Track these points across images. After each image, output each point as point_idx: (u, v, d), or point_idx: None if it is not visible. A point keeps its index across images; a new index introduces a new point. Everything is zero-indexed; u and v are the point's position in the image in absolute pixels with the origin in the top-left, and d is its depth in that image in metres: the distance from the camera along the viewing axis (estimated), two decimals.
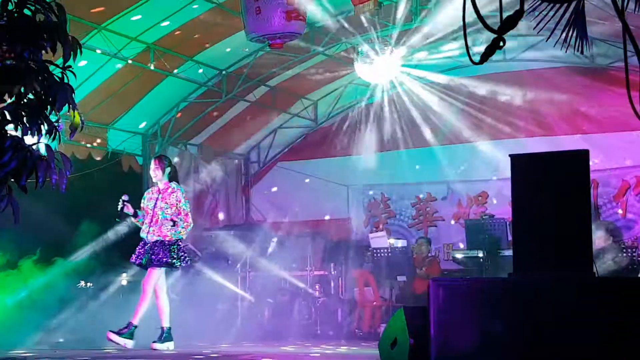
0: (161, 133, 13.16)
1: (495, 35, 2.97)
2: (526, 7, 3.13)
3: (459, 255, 11.59)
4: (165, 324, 8.19)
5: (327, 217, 14.58)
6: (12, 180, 4.32)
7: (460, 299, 4.55)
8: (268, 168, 15.55)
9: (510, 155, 4.72)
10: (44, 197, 4.91)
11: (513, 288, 4.49)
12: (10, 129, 4.34)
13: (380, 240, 12.38)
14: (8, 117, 4.33)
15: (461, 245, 12.35)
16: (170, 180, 8.43)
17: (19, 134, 4.35)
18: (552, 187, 4.56)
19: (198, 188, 13.76)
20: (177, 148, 13.66)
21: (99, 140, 12.16)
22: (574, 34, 3.75)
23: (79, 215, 11.09)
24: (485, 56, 2.96)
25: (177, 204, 8.25)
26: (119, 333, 8.04)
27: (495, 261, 10.90)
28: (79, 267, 11.29)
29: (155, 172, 8.42)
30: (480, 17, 2.81)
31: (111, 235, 11.67)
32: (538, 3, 3.60)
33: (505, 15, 2.97)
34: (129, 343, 8.05)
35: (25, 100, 4.33)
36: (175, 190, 8.33)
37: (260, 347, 9.15)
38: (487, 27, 2.91)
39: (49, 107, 4.43)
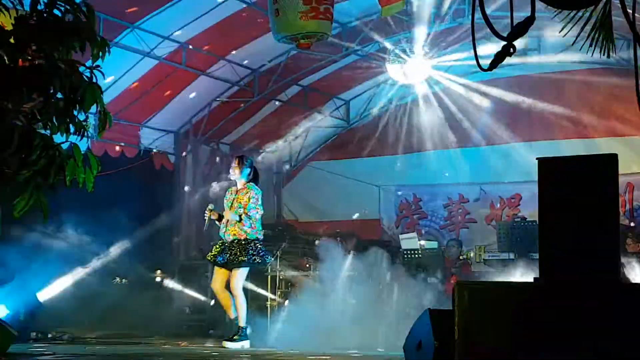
0: (193, 131, 13.24)
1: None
2: (553, 12, 3.07)
3: (490, 258, 11.49)
4: (242, 322, 8.26)
5: (358, 218, 14.55)
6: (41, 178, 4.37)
7: (484, 302, 4.51)
8: (300, 167, 15.59)
9: (537, 159, 4.66)
10: (75, 194, 4.95)
11: (538, 292, 4.44)
12: (39, 127, 4.39)
13: (411, 242, 12.31)
14: (37, 115, 4.39)
15: (493, 248, 12.25)
16: (249, 181, 8.42)
17: (47, 132, 4.40)
18: (579, 191, 4.50)
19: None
20: (209, 147, 13.74)
21: (131, 139, 12.27)
22: (600, 38, 3.69)
23: (111, 212, 11.19)
24: (495, 63, 2.92)
25: (248, 203, 8.24)
26: (232, 339, 8.19)
27: (527, 264, 10.79)
28: (111, 264, 11.41)
29: (234, 172, 8.42)
30: (489, 24, 2.77)
31: (143, 232, 11.78)
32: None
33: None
34: (246, 344, 8.23)
35: (53, 100, 4.38)
36: (250, 190, 8.33)
37: (287, 348, 9.14)
38: (496, 34, 2.87)
39: (77, 106, 4.47)
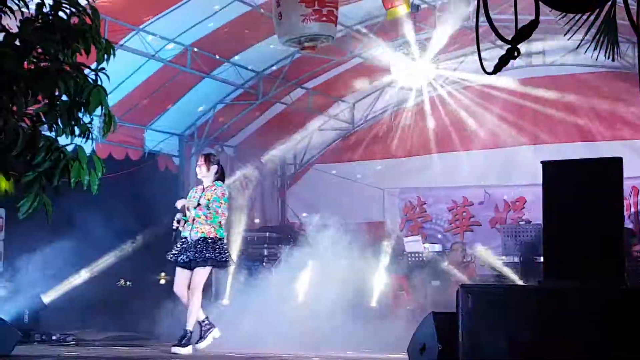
0: (198, 134, 13.25)
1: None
2: (557, 15, 3.07)
3: (494, 261, 11.48)
4: (191, 326, 7.83)
5: (362, 220, 14.52)
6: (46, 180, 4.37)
7: (488, 305, 4.51)
8: (304, 170, 15.58)
9: (542, 162, 4.66)
10: (80, 197, 4.95)
11: (541, 296, 4.44)
12: (44, 129, 4.40)
13: (415, 245, 12.31)
14: (42, 118, 4.40)
15: (497, 251, 12.23)
16: (216, 179, 8.18)
17: (52, 135, 4.41)
18: (584, 195, 4.49)
19: (234, 189, 13.82)
20: (214, 149, 13.74)
21: (135, 141, 12.28)
22: (604, 41, 3.68)
23: (115, 214, 11.22)
24: (499, 66, 2.91)
25: (211, 199, 7.96)
26: (180, 345, 7.70)
27: (531, 267, 10.79)
28: (116, 266, 11.42)
29: (200, 169, 8.18)
30: (493, 28, 2.77)
31: (147, 234, 11.79)
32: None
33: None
34: (190, 349, 7.74)
35: (59, 102, 4.38)
36: (217, 187, 8.07)
37: (286, 350, 9.13)
38: (501, 38, 2.87)
39: (82, 108, 4.48)
